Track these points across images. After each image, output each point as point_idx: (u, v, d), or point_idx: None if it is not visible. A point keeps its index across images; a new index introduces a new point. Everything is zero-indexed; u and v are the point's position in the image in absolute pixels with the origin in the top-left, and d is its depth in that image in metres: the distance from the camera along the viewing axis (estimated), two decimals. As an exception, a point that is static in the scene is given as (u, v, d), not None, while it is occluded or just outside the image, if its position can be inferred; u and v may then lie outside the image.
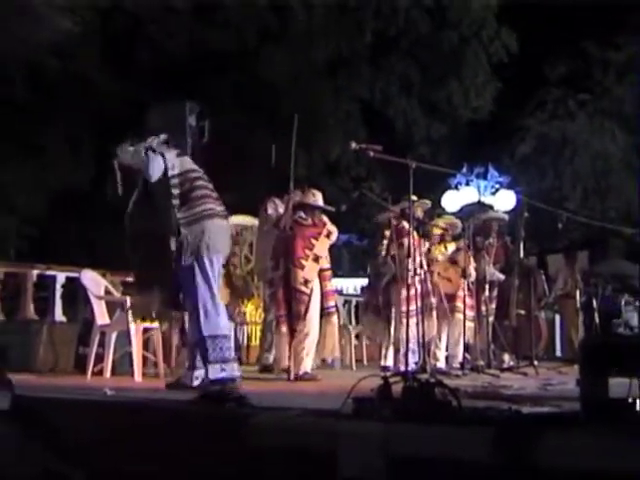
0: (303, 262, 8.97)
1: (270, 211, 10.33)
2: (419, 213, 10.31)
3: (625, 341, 4.82)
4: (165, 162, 6.98)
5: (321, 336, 9.09)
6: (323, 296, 9.12)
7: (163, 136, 7.11)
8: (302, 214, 9.19)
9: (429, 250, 10.60)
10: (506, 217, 12.24)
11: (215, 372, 6.57)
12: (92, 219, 18.11)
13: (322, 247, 9.20)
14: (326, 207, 9.53)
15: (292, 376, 8.82)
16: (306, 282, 8.95)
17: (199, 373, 6.95)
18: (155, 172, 6.93)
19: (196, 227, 6.77)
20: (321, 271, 9.16)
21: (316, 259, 9.08)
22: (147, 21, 18.23)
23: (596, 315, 14.14)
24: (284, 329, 9.04)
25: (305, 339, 8.92)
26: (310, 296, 8.97)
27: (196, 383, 6.94)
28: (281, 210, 10.19)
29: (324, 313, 9.12)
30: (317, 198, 9.40)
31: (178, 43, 18.98)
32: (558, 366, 11.16)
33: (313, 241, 9.10)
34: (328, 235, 9.28)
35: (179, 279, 6.84)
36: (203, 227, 6.78)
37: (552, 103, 24.50)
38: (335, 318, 9.36)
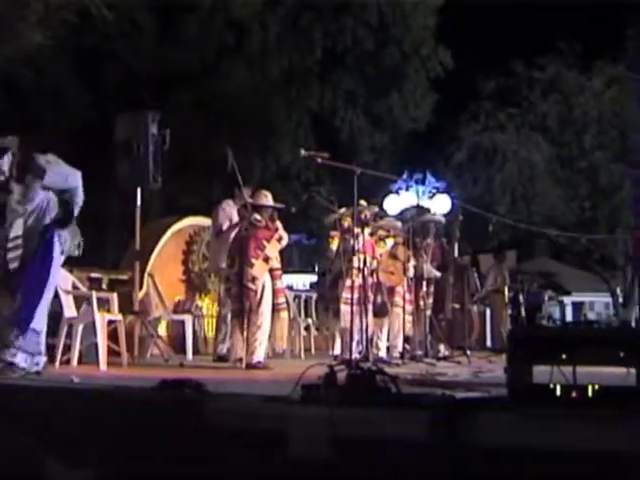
0: (253, 261, 8.94)
1: (221, 213, 10.35)
2: (367, 215, 10.33)
3: (547, 332, 4.86)
4: None
5: (272, 329, 9.08)
6: (274, 293, 9.09)
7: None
8: (257, 216, 9.15)
9: (373, 249, 10.61)
10: (442, 219, 12.31)
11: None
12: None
13: (273, 249, 9.16)
14: (277, 205, 9.49)
15: (245, 365, 8.81)
16: (254, 280, 8.92)
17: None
18: None
19: None
20: (271, 270, 9.12)
21: (266, 259, 9.04)
22: (115, 37, 18.07)
23: (522, 309, 14.27)
24: (237, 322, 9.03)
25: (257, 331, 8.90)
26: (258, 293, 8.95)
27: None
28: (233, 211, 10.23)
29: (275, 309, 9.10)
30: (269, 199, 9.38)
31: (143, 58, 18.87)
32: (488, 355, 11.25)
33: (265, 243, 9.05)
34: (279, 239, 9.24)
35: None
36: None
37: (484, 115, 24.66)
38: (285, 314, 9.34)
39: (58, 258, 7.01)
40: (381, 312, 10.62)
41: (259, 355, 8.91)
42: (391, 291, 10.79)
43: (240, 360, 8.93)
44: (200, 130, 18.78)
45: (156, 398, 5.15)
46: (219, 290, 10.55)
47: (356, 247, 9.31)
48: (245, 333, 8.91)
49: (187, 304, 12.00)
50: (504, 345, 5.17)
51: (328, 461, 4.11)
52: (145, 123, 10.01)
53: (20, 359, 6.72)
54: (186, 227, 12.54)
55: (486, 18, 24.18)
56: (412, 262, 10.96)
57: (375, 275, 10.45)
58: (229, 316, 9.76)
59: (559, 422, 3.88)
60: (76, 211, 7.07)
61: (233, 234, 9.64)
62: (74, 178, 7.06)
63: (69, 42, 17.09)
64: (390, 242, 11.08)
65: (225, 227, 10.28)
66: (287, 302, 9.90)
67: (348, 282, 9.60)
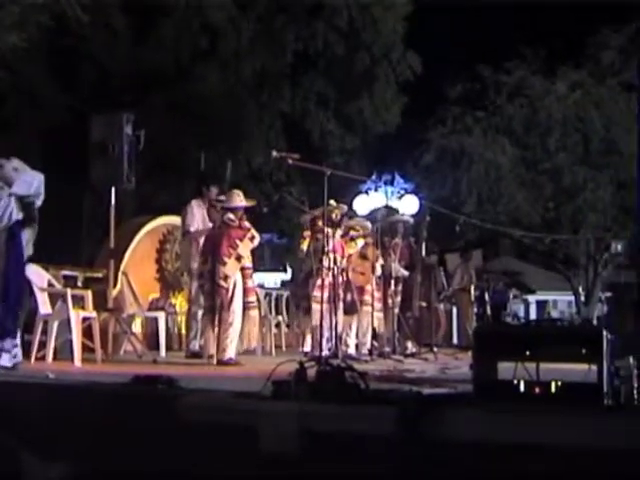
0: (226, 259, 8.91)
1: (189, 213, 10.35)
2: (337, 215, 10.34)
3: (512, 330, 4.89)
4: None
5: (242, 327, 9.06)
6: (245, 292, 9.06)
7: None
8: (231, 216, 9.12)
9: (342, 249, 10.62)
10: (411, 220, 12.35)
11: None
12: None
13: (245, 248, 9.12)
14: (249, 204, 9.45)
15: (216, 361, 8.79)
16: (226, 277, 8.89)
17: None
18: None
19: None
20: (243, 269, 9.08)
21: (238, 258, 9.00)
22: (90, 39, 17.94)
23: (488, 307, 14.34)
24: (209, 319, 9.02)
25: (229, 329, 8.87)
26: (229, 290, 8.92)
27: None
28: (202, 211, 10.23)
29: (245, 307, 9.08)
30: (241, 198, 9.35)
31: (118, 60, 18.75)
32: (454, 352, 11.31)
33: (237, 242, 9.02)
34: (252, 239, 9.20)
35: None
36: None
37: (451, 119, 24.73)
38: (255, 312, 9.32)
39: (24, 258, 7.01)
40: (351, 310, 10.63)
41: (230, 352, 8.88)
42: (360, 290, 10.80)
43: (212, 357, 8.91)
44: (174, 131, 18.69)
45: (129, 393, 5.13)
46: (190, 288, 10.52)
47: (326, 247, 9.31)
48: (216, 330, 8.89)
49: (161, 302, 11.96)
50: (470, 342, 5.20)
51: (298, 455, 4.12)
52: (120, 124, 9.99)
53: (4, 360, 6.72)
54: (160, 226, 12.48)
55: (454, 24, 24.38)
56: (380, 261, 11.00)
57: (345, 274, 10.47)
58: (199, 313, 9.74)
59: (523, 417, 3.91)
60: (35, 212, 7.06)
61: (203, 235, 9.66)
62: (38, 184, 7.03)
63: (44, 44, 16.97)
64: (361, 242, 11.11)
65: (193, 228, 10.28)
66: (258, 300, 9.90)
67: (319, 281, 9.60)
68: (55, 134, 17.25)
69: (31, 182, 6.95)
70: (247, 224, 9.21)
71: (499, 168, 23.94)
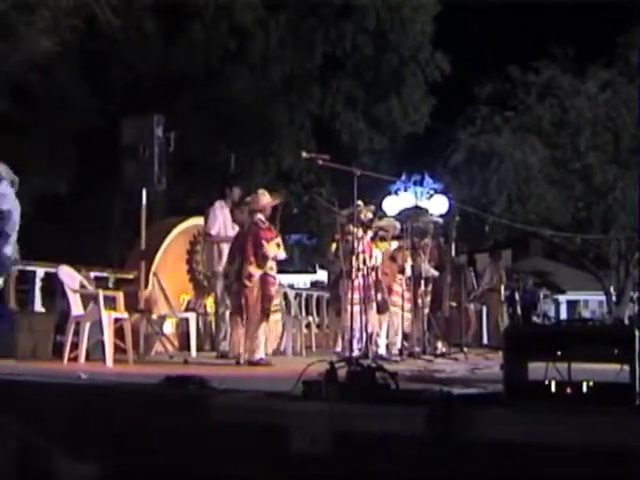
0: (252, 259, 8.89)
1: (212, 215, 10.38)
2: (368, 216, 10.31)
3: (543, 330, 4.86)
4: None
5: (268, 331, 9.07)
6: (267, 298, 9.01)
7: None
8: (261, 217, 9.11)
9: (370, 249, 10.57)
10: (441, 220, 12.28)
11: None
12: (69, 221, 17.96)
13: (271, 250, 9.06)
14: (276, 202, 9.40)
15: (245, 362, 8.77)
16: (250, 277, 8.88)
17: None
18: None
19: None
20: (266, 275, 8.98)
21: (265, 258, 8.96)
22: (121, 42, 18.07)
23: (518, 307, 14.28)
24: (236, 319, 9.01)
25: (258, 328, 8.86)
26: (255, 290, 8.91)
27: None
28: (225, 212, 10.26)
29: (273, 311, 9.08)
30: (267, 197, 9.30)
31: (149, 62, 18.85)
32: (485, 352, 11.25)
33: (264, 242, 8.99)
34: (278, 245, 9.14)
35: None
36: None
37: (481, 119, 24.68)
38: (278, 316, 9.34)
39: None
40: (381, 309, 10.60)
41: (261, 352, 8.88)
42: (389, 290, 10.78)
43: (239, 356, 8.90)
44: (203, 133, 18.79)
45: (161, 394, 5.15)
46: (216, 289, 10.52)
47: (356, 248, 9.26)
48: (244, 330, 8.89)
49: (197, 303, 11.97)
50: (500, 342, 5.17)
51: (329, 456, 4.11)
52: (150, 126, 10.01)
53: None
54: (190, 227, 12.50)
55: (483, 24, 24.27)
56: (410, 262, 10.96)
57: (375, 274, 10.42)
58: (227, 314, 9.74)
59: (554, 418, 3.88)
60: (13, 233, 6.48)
61: (225, 240, 9.68)
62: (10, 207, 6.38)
63: (76, 47, 17.11)
64: (394, 244, 11.07)
65: (214, 231, 10.32)
66: (280, 304, 9.89)
67: (349, 282, 9.55)
68: (86, 137, 17.39)
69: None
70: (275, 231, 9.16)
71: (529, 168, 23.83)
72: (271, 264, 9.01)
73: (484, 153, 24.37)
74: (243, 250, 8.95)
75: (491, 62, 23.57)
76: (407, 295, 10.79)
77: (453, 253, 11.92)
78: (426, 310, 11.31)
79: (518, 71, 24.21)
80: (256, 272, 8.89)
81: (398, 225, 11.18)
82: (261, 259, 8.89)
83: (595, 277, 27.22)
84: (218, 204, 10.50)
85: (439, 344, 11.71)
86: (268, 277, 8.98)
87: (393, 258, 10.97)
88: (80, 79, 18.04)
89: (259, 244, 8.90)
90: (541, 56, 23.76)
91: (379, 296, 10.48)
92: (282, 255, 9.22)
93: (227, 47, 19.96)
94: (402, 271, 10.73)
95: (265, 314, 8.88)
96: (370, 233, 10.37)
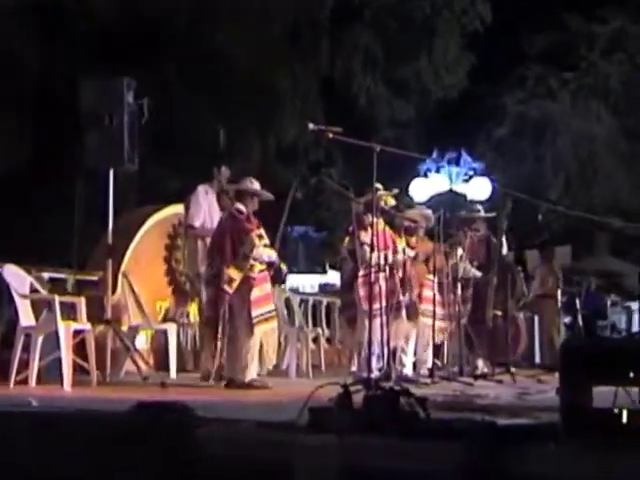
0: (230, 259, 8.93)
1: (193, 203, 10.41)
2: (391, 203, 10.30)
3: (611, 345, 4.85)
4: None
5: (262, 345, 9.08)
6: (256, 302, 9.03)
7: None
8: (240, 206, 9.14)
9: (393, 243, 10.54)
10: (482, 210, 12.18)
11: None
12: (18, 206, 17.93)
13: (259, 252, 9.09)
14: (265, 193, 9.46)
15: (220, 380, 8.89)
16: (231, 281, 8.90)
17: None
18: None
19: None
20: (249, 278, 9.08)
21: (245, 257, 8.98)
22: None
23: (579, 316, 14.26)
24: (209, 331, 9.07)
25: (246, 342, 8.88)
26: (235, 297, 8.93)
27: None
28: (211, 198, 10.29)
29: (261, 320, 9.08)
30: (254, 186, 9.36)
31: (118, 13, 18.79)
32: (537, 373, 11.25)
33: (243, 237, 9.01)
34: (260, 237, 9.17)
35: None
36: None
37: (531, 80, 24.70)
38: (274, 324, 9.33)
39: None
40: (409, 314, 10.55)
41: (252, 372, 8.90)
42: (418, 296, 10.76)
43: (209, 374, 8.96)
44: (186, 100, 18.78)
45: (132, 423, 5.15)
46: (201, 294, 10.56)
47: (375, 243, 9.24)
48: (220, 344, 8.91)
49: (177, 312, 11.98)
50: (556, 361, 5.16)
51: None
52: (119, 91, 9.99)
53: None
54: (169, 217, 12.50)
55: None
56: (444, 261, 10.93)
57: (400, 270, 10.39)
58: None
59: (625, 455, 3.86)
60: None
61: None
62: None
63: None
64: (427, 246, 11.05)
65: (198, 222, 10.34)
66: (278, 310, 9.91)
67: (367, 285, 9.51)
68: (45, 107, 17.37)
69: None
70: (256, 221, 9.20)
71: (592, 141, 23.83)
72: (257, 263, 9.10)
73: (536, 123, 24.37)
74: (221, 251, 8.98)
75: (545, 9, 23.48)
76: (440, 301, 10.77)
77: (505, 250, 11.87)
78: (464, 320, 11.30)
79: (579, 20, 24.17)
80: (237, 275, 8.91)
81: (432, 215, 11.11)
82: (242, 259, 8.93)
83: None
84: (202, 189, 10.51)
85: (480, 362, 11.71)
86: (252, 279, 9.03)
87: (427, 258, 10.94)
88: (31, 36, 18.03)
89: (238, 240, 8.95)
90: (607, 1, 23.72)
91: (406, 297, 10.44)
92: (272, 256, 9.30)
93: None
94: (434, 272, 10.71)
95: (251, 325, 8.91)
96: (393, 224, 10.36)
